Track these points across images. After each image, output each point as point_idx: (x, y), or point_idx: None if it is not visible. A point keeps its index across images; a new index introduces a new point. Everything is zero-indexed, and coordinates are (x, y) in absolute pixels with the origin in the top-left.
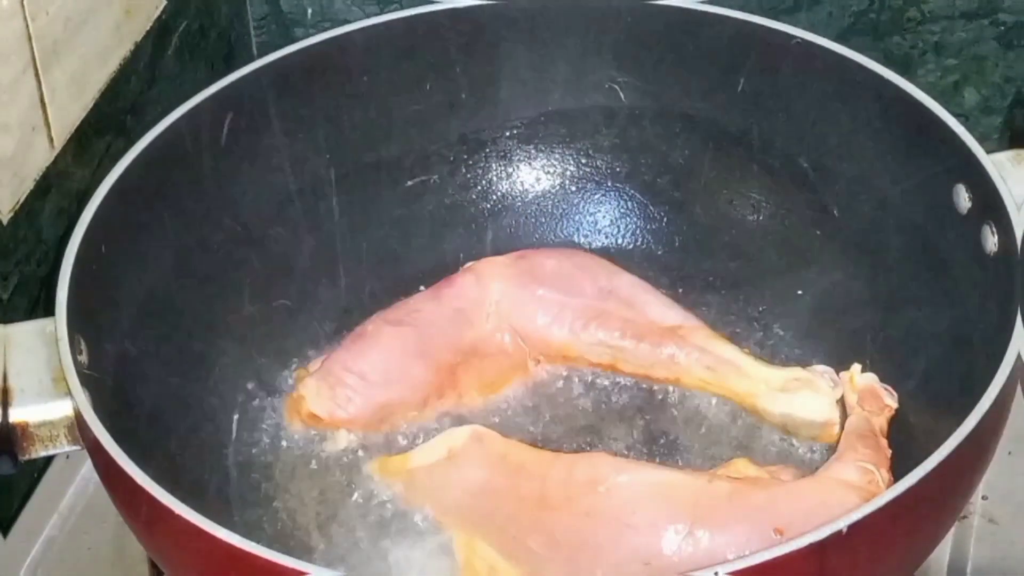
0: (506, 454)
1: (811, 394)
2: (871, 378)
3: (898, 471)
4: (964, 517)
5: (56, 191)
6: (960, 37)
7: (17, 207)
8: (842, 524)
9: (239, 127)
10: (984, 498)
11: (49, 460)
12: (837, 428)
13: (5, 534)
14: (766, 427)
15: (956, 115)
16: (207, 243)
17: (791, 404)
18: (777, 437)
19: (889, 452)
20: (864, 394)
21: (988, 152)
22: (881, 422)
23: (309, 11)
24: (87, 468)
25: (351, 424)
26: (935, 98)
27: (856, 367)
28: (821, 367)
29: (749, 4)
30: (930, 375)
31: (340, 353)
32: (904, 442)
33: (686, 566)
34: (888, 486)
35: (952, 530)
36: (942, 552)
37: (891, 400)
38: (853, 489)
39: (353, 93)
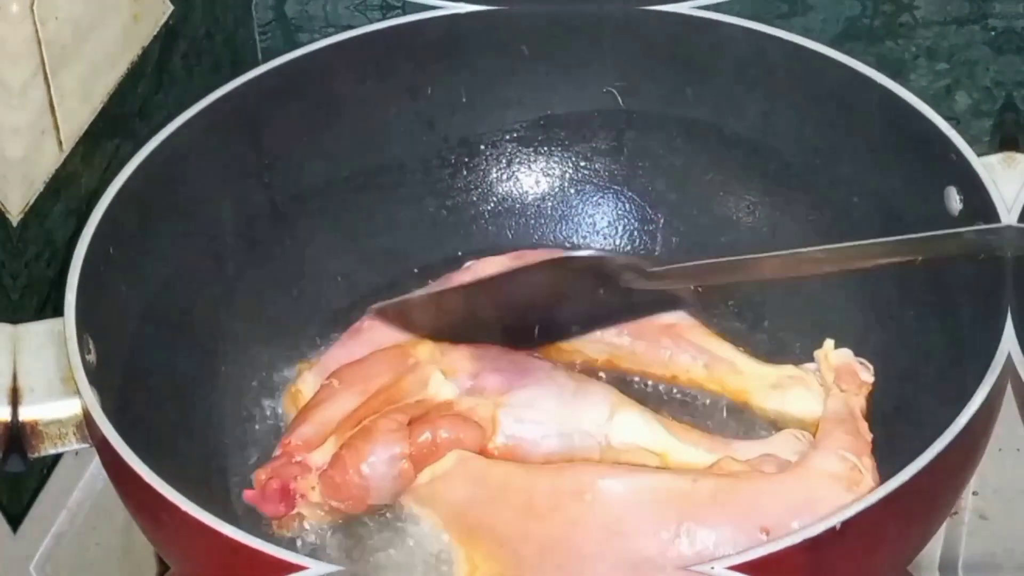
0: (488, 474)
1: (803, 391)
2: (846, 354)
3: (890, 469)
4: (955, 513)
5: (65, 193)
6: (952, 42)
7: (27, 209)
8: (836, 521)
9: (244, 129)
10: (975, 494)
11: (58, 457)
12: None
13: (15, 530)
14: (759, 423)
15: (947, 119)
16: (213, 244)
17: (784, 401)
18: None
19: (870, 436)
20: (840, 371)
21: (979, 155)
22: (860, 401)
23: (313, 17)
24: (95, 465)
25: None
26: (927, 102)
27: (829, 342)
28: (813, 365)
29: (744, 10)
30: (922, 374)
31: (336, 349)
32: (896, 440)
33: (675, 569)
34: (871, 472)
35: (943, 526)
36: (933, 547)
37: (867, 375)
38: (836, 480)
39: (356, 97)
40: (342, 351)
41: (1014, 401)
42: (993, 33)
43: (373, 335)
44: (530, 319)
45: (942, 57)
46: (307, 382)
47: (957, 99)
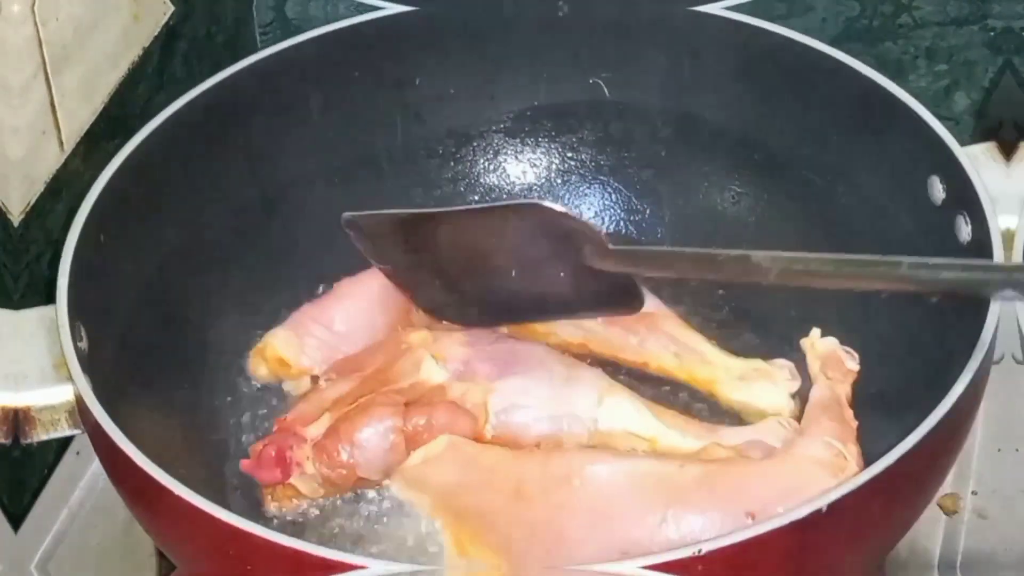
0: (477, 458)
1: (768, 384)
2: (832, 342)
3: (876, 454)
4: (954, 512)
5: (66, 193)
6: (950, 43)
7: (28, 209)
8: (822, 503)
9: (233, 120)
10: (974, 493)
11: (59, 456)
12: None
13: (16, 529)
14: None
15: (946, 119)
16: (203, 233)
17: (748, 392)
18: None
19: (855, 424)
20: (827, 360)
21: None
22: (845, 389)
23: (314, 17)
24: (96, 465)
25: (315, 371)
26: (926, 102)
27: (816, 331)
28: (781, 360)
29: (743, 12)
30: (906, 361)
31: (308, 307)
32: (881, 426)
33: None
34: (856, 459)
35: (943, 524)
36: (932, 546)
37: (853, 363)
38: (821, 466)
39: (344, 88)
40: (314, 307)
41: (1010, 400)
42: (992, 34)
43: (343, 293)
44: (494, 275)
45: (941, 58)
46: (277, 336)
47: (956, 99)
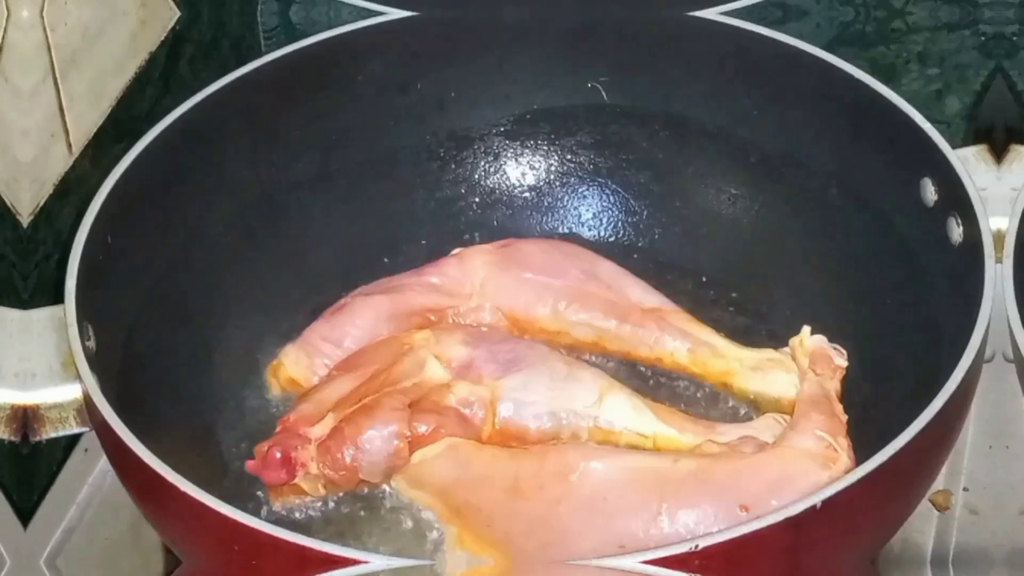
0: (475, 457)
1: (782, 373)
2: (820, 340)
3: (872, 452)
4: (946, 508)
5: (74, 195)
6: (942, 47)
7: (37, 210)
8: (816, 499)
9: (238, 122)
10: (965, 490)
11: (67, 454)
12: None
13: (25, 525)
14: (739, 405)
15: (938, 122)
16: (208, 234)
17: (764, 383)
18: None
19: (845, 417)
20: (815, 356)
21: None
22: (834, 385)
23: (317, 23)
24: (104, 462)
25: None
26: (918, 106)
27: (806, 329)
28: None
29: (739, 15)
30: (899, 359)
31: (318, 324)
32: (874, 424)
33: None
34: (847, 451)
35: (935, 520)
36: (925, 541)
37: (841, 360)
38: (812, 458)
39: (349, 92)
40: (324, 325)
41: (1001, 398)
42: (983, 38)
43: (353, 309)
44: None
45: (933, 62)
46: (289, 355)
47: (948, 103)
